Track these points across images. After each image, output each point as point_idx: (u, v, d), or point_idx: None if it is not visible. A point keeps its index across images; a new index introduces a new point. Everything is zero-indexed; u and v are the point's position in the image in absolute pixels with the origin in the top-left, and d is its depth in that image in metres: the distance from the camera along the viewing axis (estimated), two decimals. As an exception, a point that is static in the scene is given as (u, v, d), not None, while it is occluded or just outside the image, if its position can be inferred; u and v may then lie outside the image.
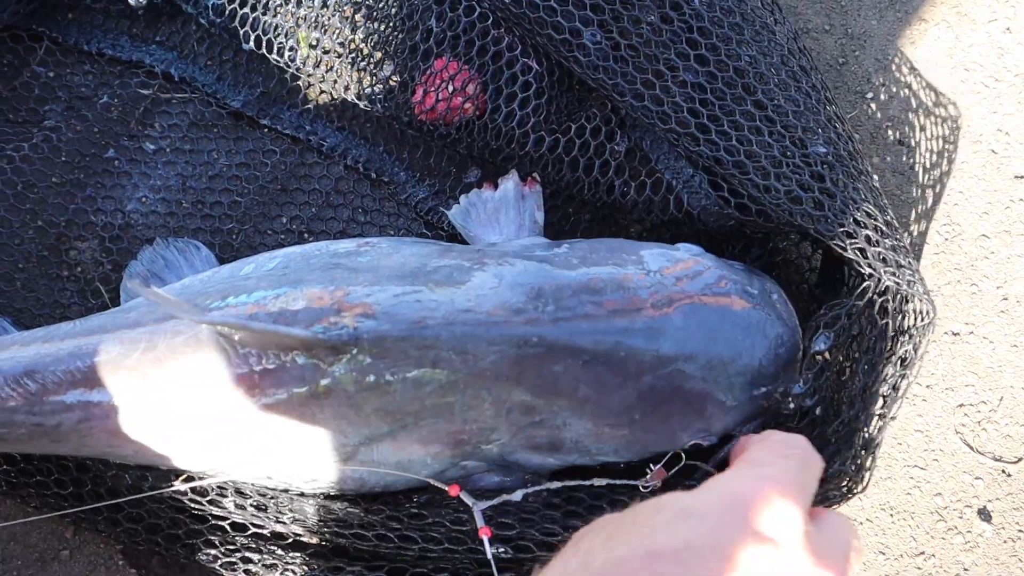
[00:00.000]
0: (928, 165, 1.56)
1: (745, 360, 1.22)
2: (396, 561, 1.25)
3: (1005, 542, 1.36)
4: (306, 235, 1.53)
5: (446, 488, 1.19)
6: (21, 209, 1.52)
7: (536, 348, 1.19)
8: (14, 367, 1.21)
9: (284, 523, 1.26)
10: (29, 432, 1.22)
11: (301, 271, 1.27)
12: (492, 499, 1.20)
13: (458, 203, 1.45)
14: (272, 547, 1.30)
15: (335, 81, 1.56)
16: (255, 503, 1.25)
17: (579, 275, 1.25)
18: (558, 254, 1.29)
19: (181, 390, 1.20)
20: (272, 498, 1.26)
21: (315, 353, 1.16)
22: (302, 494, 1.27)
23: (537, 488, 1.20)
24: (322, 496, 1.27)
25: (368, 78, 1.55)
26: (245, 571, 1.28)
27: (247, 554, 1.29)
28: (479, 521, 1.16)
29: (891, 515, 1.37)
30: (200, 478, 1.25)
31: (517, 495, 1.20)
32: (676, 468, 1.20)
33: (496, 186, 1.45)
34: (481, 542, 1.14)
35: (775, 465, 0.81)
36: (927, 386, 1.44)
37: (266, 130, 1.59)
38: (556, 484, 1.20)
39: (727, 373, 1.22)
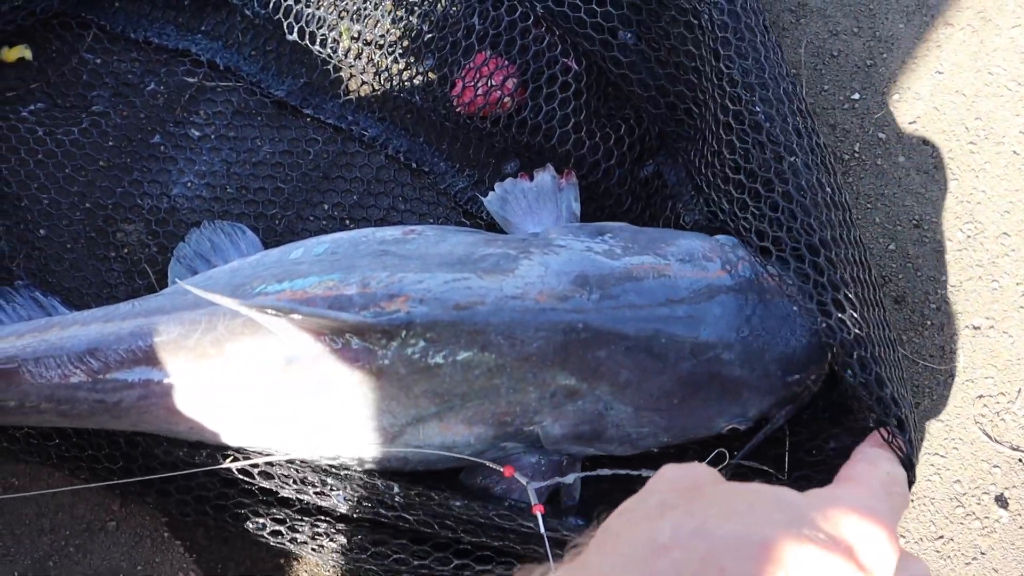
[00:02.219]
0: (951, 165, 1.61)
1: (780, 348, 1.27)
2: (439, 537, 1.30)
3: (1021, 527, 1.41)
4: (347, 222, 1.57)
5: (500, 468, 1.24)
6: (70, 191, 1.57)
7: (581, 334, 1.25)
8: (76, 345, 1.26)
9: (329, 497, 1.31)
10: (91, 408, 1.27)
11: (351, 257, 1.32)
12: (545, 481, 1.26)
13: (493, 191, 1.50)
14: (318, 519, 1.35)
15: (376, 73, 1.61)
16: (302, 478, 1.30)
17: (622, 264, 1.30)
18: (601, 242, 1.34)
19: (238, 371, 1.25)
20: (319, 474, 1.30)
21: (368, 337, 1.21)
22: (348, 472, 1.31)
23: (589, 473, 1.26)
24: (367, 474, 1.31)
25: (408, 70, 1.60)
26: (291, 539, 1.33)
27: (293, 524, 1.34)
28: (533, 499, 1.21)
29: (911, 500, 1.42)
30: (251, 455, 1.30)
31: (570, 478, 1.26)
32: (722, 466, 1.24)
33: (531, 177, 1.50)
34: (535, 519, 1.20)
35: (883, 500, 0.85)
36: (948, 377, 1.49)
37: (309, 119, 1.64)
38: (607, 471, 1.25)
39: (763, 360, 1.27)
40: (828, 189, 1.30)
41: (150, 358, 1.25)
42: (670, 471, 0.80)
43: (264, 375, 1.24)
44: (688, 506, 0.75)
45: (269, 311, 1.19)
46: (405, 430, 1.26)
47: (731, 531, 0.70)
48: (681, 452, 1.35)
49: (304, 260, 1.33)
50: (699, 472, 0.80)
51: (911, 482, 1.07)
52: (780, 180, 1.27)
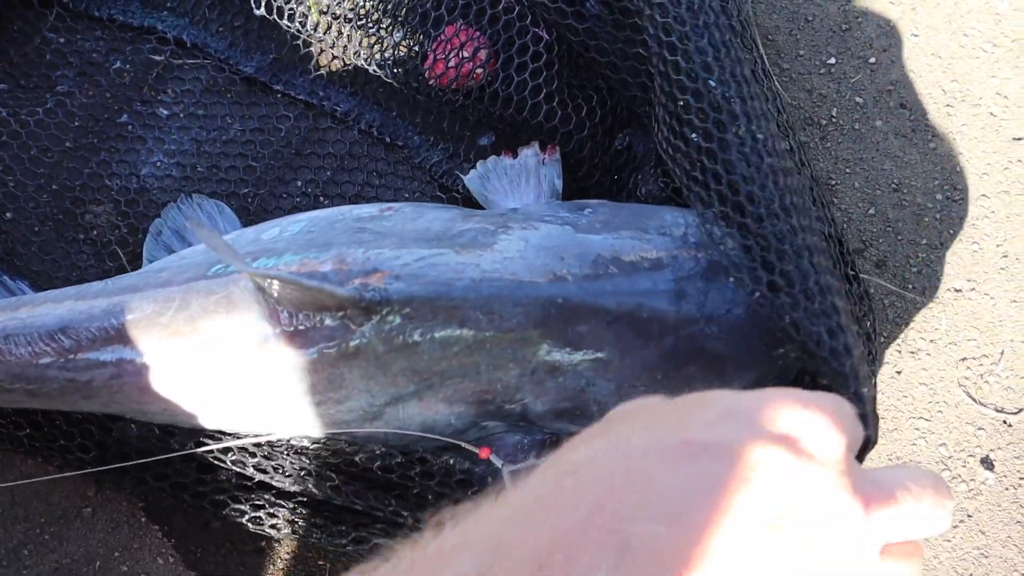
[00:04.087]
0: (928, 128, 1.60)
1: (764, 322, 1.25)
2: (418, 520, 1.28)
3: (1007, 489, 1.40)
4: (321, 199, 1.55)
5: (476, 449, 1.22)
6: (36, 173, 1.53)
7: (561, 309, 1.22)
8: (47, 323, 1.23)
9: (307, 482, 1.29)
10: (61, 388, 1.24)
11: (327, 234, 1.29)
12: (519, 464, 1.24)
13: (474, 168, 1.48)
14: (297, 503, 1.33)
15: (346, 47, 1.58)
16: (277, 464, 1.28)
17: (602, 239, 1.28)
18: (581, 218, 1.32)
19: (212, 349, 1.22)
20: (296, 457, 1.28)
21: (346, 314, 1.19)
22: (329, 454, 1.29)
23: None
24: (346, 456, 1.29)
25: (379, 44, 1.57)
26: (272, 525, 1.31)
27: (273, 509, 1.31)
28: (507, 483, 1.19)
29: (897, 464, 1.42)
30: (227, 439, 1.27)
31: (544, 459, 1.23)
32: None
33: (514, 154, 1.47)
34: None
35: (828, 400, 0.80)
36: (931, 341, 1.48)
37: (279, 96, 1.61)
38: None
39: (747, 334, 1.25)
40: (774, 156, 1.25)
41: (122, 336, 1.22)
42: (619, 407, 0.78)
43: (239, 354, 1.21)
44: (611, 427, 0.73)
45: (268, 276, 1.16)
46: (384, 410, 1.24)
47: (650, 439, 0.68)
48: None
49: (280, 239, 1.31)
50: (646, 400, 0.77)
51: (871, 445, 1.05)
52: (722, 149, 1.23)
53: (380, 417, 1.24)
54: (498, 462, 1.21)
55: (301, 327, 1.19)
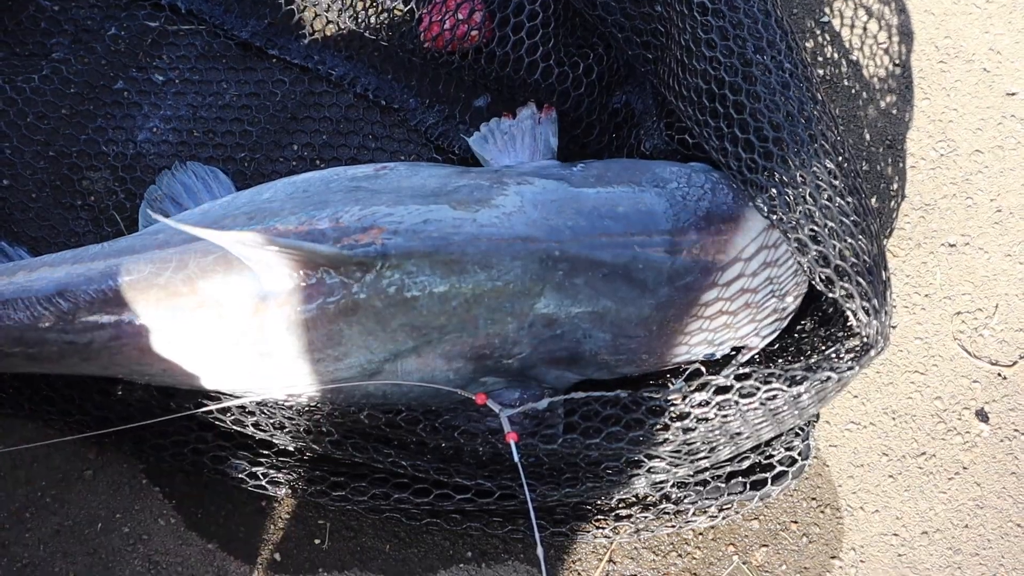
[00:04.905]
0: (922, 84, 1.60)
1: (765, 276, 1.26)
2: (416, 475, 1.29)
3: (1002, 441, 1.41)
4: (318, 162, 1.55)
5: (472, 396, 1.23)
6: (33, 140, 1.54)
7: (558, 262, 1.24)
8: (45, 287, 1.23)
9: (306, 440, 1.30)
10: (60, 350, 1.24)
11: (323, 194, 1.30)
12: (518, 407, 1.25)
13: (478, 131, 1.49)
14: (296, 460, 1.34)
15: (341, 11, 1.58)
16: (278, 422, 1.28)
17: (597, 192, 1.29)
18: (574, 173, 1.33)
19: (210, 308, 1.22)
20: (295, 414, 1.29)
21: (343, 270, 1.20)
22: (327, 412, 1.30)
23: (562, 397, 1.24)
24: (345, 411, 1.30)
25: (373, 7, 1.58)
26: (271, 481, 1.32)
27: (271, 466, 1.33)
28: (506, 426, 1.20)
29: (893, 419, 1.43)
30: (226, 399, 1.28)
31: (542, 403, 1.23)
32: (695, 384, 1.21)
33: (514, 115, 1.48)
34: (508, 447, 1.18)
35: None
36: (926, 295, 1.49)
37: (275, 60, 1.62)
38: (580, 394, 1.23)
39: (741, 286, 1.27)
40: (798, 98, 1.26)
41: (121, 298, 1.23)
42: None
43: (237, 313, 1.22)
44: None
45: (245, 243, 1.17)
46: (383, 366, 1.25)
47: None
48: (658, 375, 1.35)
49: (275, 199, 1.31)
50: None
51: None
52: (747, 81, 1.24)
53: (379, 373, 1.25)
54: (495, 407, 1.22)
55: (300, 284, 1.20)
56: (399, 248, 1.21)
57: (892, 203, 1.54)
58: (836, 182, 1.19)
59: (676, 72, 1.32)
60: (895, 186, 1.54)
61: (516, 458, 1.18)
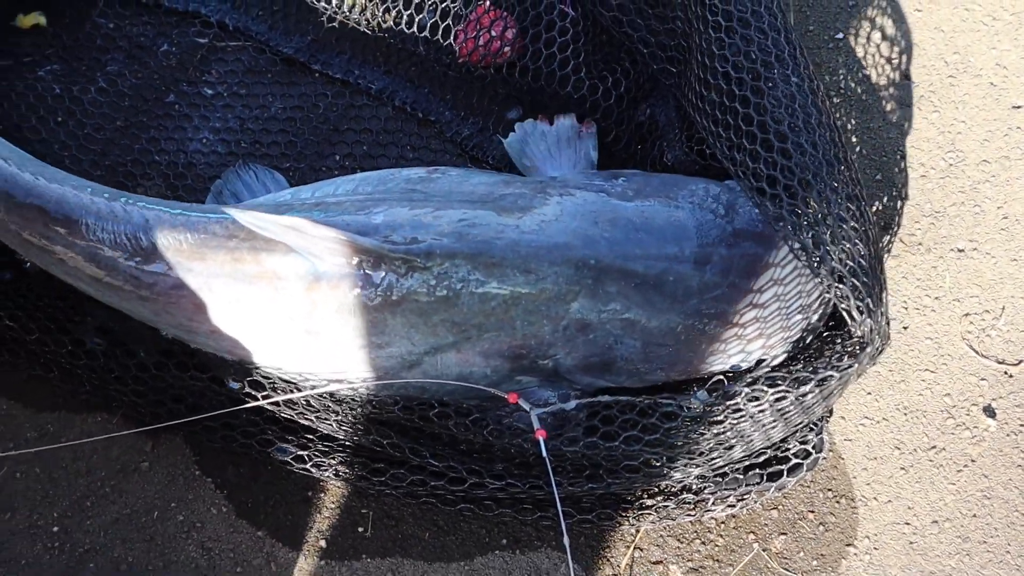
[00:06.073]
0: (932, 97, 1.68)
1: (786, 291, 1.32)
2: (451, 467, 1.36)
3: (1008, 435, 1.49)
4: (358, 171, 1.63)
5: (505, 395, 1.31)
6: (90, 150, 1.63)
7: (592, 270, 1.32)
8: (136, 218, 1.33)
9: (348, 428, 1.37)
10: (124, 282, 1.33)
11: (380, 193, 1.39)
12: (548, 407, 1.33)
13: (514, 131, 1.56)
14: (339, 446, 1.41)
15: (380, 27, 1.67)
16: (323, 407, 1.36)
17: (634, 206, 1.36)
18: (615, 186, 1.40)
19: (268, 281, 1.31)
20: (337, 403, 1.37)
21: (393, 265, 1.28)
22: (369, 403, 1.37)
23: (590, 400, 1.32)
24: (385, 403, 1.37)
25: (411, 24, 1.66)
26: (315, 465, 1.40)
27: (315, 450, 1.41)
28: (535, 423, 1.28)
29: (905, 414, 1.50)
30: (273, 382, 1.35)
31: (571, 404, 1.32)
32: (717, 392, 1.29)
33: (551, 121, 1.56)
34: (537, 443, 1.26)
35: None
36: (936, 298, 1.57)
37: (317, 75, 1.71)
38: (607, 398, 1.31)
39: (770, 300, 1.33)
40: (815, 112, 1.33)
41: (193, 252, 1.31)
42: None
43: (293, 288, 1.30)
44: None
45: (297, 227, 1.26)
46: (423, 359, 1.33)
47: None
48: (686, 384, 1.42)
49: (336, 194, 1.40)
50: None
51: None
52: (756, 94, 1.31)
53: (419, 365, 1.34)
54: (526, 406, 1.30)
55: (350, 273, 1.29)
56: (444, 248, 1.29)
57: (904, 210, 1.62)
58: (838, 188, 1.26)
59: (694, 85, 1.39)
60: (906, 193, 1.62)
61: (544, 453, 1.26)
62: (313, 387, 1.35)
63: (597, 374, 1.37)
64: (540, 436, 1.27)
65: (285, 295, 1.30)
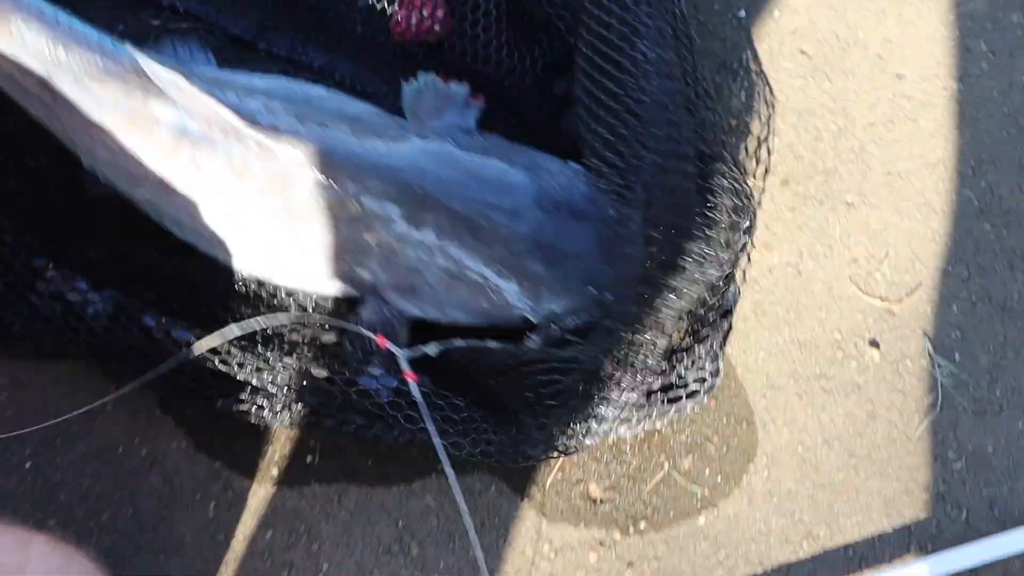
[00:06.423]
0: (826, 68, 1.86)
1: (588, 262, 1.43)
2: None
3: (890, 364, 1.67)
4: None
5: (374, 336, 1.39)
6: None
7: (416, 197, 1.43)
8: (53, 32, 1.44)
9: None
10: (35, 85, 1.44)
11: (279, 91, 1.53)
12: (413, 350, 1.39)
13: (415, 79, 1.67)
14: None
15: (321, 7, 1.80)
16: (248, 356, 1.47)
17: (474, 158, 1.48)
18: (468, 142, 1.52)
19: (145, 120, 1.43)
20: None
21: (247, 143, 1.42)
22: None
23: (448, 346, 1.39)
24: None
25: (350, 5, 1.79)
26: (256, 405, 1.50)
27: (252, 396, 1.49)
28: (405, 366, 1.37)
29: (800, 348, 1.67)
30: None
31: (432, 348, 1.39)
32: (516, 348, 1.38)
33: (447, 81, 1.67)
34: (407, 384, 1.36)
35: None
36: (828, 246, 1.74)
37: (263, 53, 1.82)
38: (460, 342, 1.39)
39: (566, 267, 1.43)
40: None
41: (96, 73, 1.44)
42: None
43: (161, 135, 1.44)
44: None
45: (177, 83, 1.41)
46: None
47: None
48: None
49: (248, 84, 1.54)
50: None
51: None
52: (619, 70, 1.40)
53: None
54: (395, 349, 1.38)
55: (211, 138, 1.43)
56: (295, 142, 1.42)
57: (800, 168, 1.79)
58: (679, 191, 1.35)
59: (580, 63, 1.49)
60: (802, 154, 1.80)
61: (417, 395, 1.34)
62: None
63: (408, 297, 1.47)
64: (410, 378, 1.35)
65: (155, 138, 1.44)
